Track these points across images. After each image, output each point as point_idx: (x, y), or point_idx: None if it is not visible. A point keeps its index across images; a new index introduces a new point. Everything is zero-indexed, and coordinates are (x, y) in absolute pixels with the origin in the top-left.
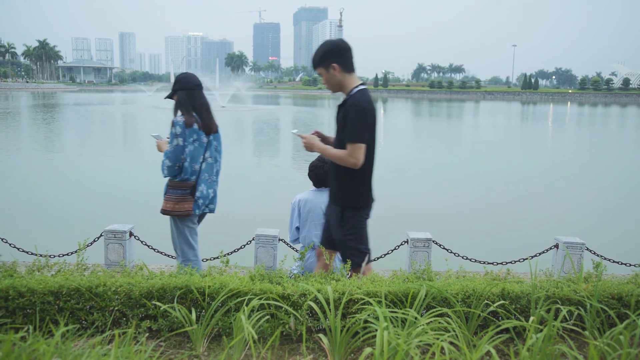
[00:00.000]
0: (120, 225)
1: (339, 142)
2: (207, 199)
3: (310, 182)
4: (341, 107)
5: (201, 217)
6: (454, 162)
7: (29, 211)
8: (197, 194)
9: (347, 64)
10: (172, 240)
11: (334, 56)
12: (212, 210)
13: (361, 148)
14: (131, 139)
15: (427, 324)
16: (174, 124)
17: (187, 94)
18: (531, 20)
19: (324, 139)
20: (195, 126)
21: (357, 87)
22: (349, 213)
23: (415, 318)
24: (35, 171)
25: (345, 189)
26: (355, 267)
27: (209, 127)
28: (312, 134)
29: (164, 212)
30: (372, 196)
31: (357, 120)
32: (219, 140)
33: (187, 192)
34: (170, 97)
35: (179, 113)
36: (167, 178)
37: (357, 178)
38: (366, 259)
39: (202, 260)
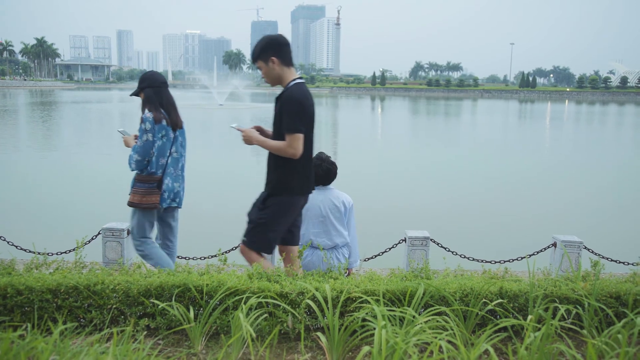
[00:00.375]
0: (118, 224)
1: (277, 134)
2: (172, 192)
3: None
4: (278, 100)
5: (169, 212)
6: (452, 160)
7: (27, 209)
8: (163, 187)
9: (285, 57)
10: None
11: (273, 50)
12: (179, 205)
13: (299, 138)
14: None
15: (425, 322)
16: (143, 120)
17: (155, 91)
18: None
19: (263, 132)
20: (164, 122)
21: (294, 80)
22: (274, 198)
23: (413, 316)
24: (33, 169)
25: (282, 177)
26: (252, 247)
27: (176, 123)
28: (252, 128)
29: (130, 204)
30: (309, 186)
31: (293, 111)
32: (184, 135)
33: (153, 186)
34: (136, 94)
35: (147, 110)
36: (135, 172)
37: (294, 168)
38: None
39: (200, 259)
